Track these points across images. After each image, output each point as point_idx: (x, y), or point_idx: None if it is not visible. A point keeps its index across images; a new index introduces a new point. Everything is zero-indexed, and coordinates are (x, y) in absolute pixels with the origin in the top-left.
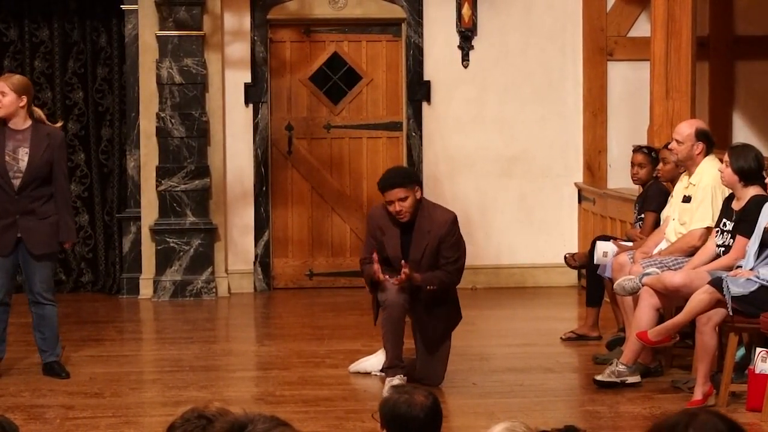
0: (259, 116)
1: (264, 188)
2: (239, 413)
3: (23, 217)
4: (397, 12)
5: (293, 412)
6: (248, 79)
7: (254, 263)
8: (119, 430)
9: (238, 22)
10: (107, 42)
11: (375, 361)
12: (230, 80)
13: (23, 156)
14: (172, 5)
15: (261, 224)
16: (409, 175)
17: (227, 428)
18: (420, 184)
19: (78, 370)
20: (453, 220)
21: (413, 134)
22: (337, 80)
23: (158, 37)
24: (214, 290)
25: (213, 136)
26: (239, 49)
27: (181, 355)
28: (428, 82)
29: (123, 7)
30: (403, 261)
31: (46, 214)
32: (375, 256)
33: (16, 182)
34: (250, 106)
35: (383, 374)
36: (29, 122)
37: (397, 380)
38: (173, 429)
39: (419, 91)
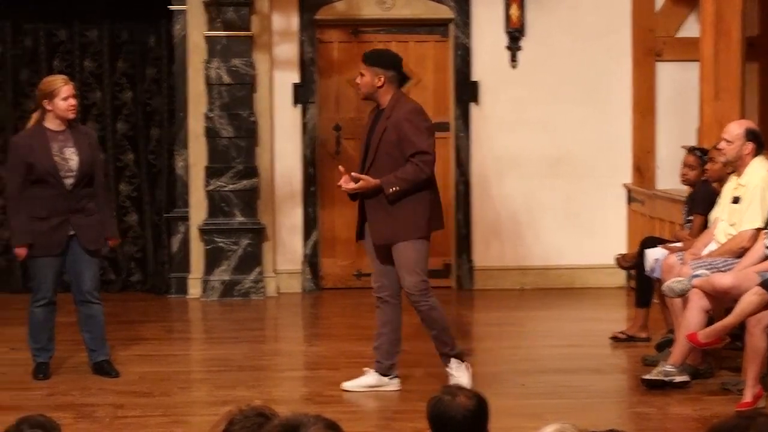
0: (308, 116)
1: (312, 188)
2: (290, 414)
3: (74, 215)
4: (445, 12)
5: (341, 413)
6: (296, 80)
7: (302, 263)
8: (168, 429)
9: (286, 22)
10: (156, 42)
11: (372, 379)
12: (278, 81)
13: (71, 155)
14: (220, 6)
15: (309, 224)
16: (378, 56)
17: (280, 429)
18: (389, 72)
19: (127, 369)
20: (415, 109)
21: (461, 135)
22: None
23: (207, 38)
24: (262, 290)
25: (261, 137)
26: (287, 50)
27: (230, 354)
28: (476, 82)
29: (171, 7)
30: (340, 168)
31: (93, 211)
32: (341, 168)
33: (68, 181)
34: (299, 106)
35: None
36: (67, 123)
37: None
38: (233, 424)
39: (467, 91)
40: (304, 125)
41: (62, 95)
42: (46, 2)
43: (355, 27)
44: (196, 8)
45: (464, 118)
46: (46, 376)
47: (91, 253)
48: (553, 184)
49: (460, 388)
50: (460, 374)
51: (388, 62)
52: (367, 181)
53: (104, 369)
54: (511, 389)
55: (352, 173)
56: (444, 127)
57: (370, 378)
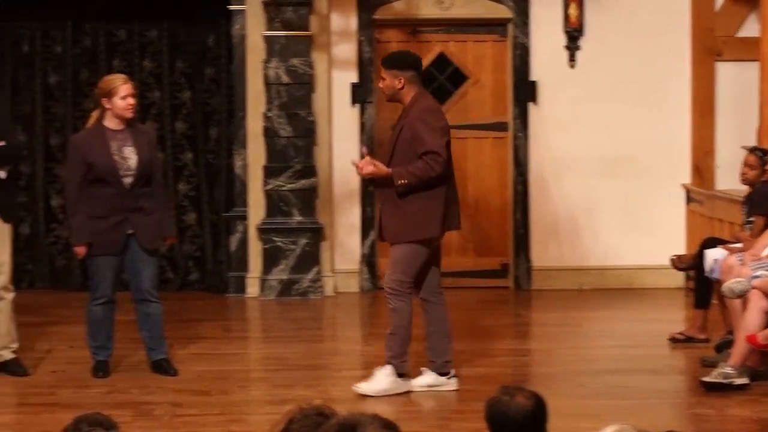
0: (366, 116)
1: (370, 188)
2: (347, 413)
3: (133, 214)
4: (504, 12)
5: (398, 412)
6: (355, 79)
7: (360, 263)
8: (226, 427)
9: (344, 22)
10: (215, 42)
11: (429, 378)
12: (337, 80)
13: (130, 154)
14: (279, 5)
15: (367, 224)
16: (394, 58)
17: (338, 428)
18: (407, 72)
19: (185, 367)
20: (429, 108)
21: (519, 135)
22: (443, 80)
23: (265, 38)
24: (320, 289)
25: (320, 136)
26: (346, 50)
27: (287, 353)
28: (534, 82)
29: (230, 7)
30: (364, 148)
31: (151, 210)
32: (363, 149)
33: (127, 180)
34: (357, 106)
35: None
36: (126, 122)
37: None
38: (292, 423)
39: (525, 91)
40: (362, 125)
41: (121, 94)
42: (106, 2)
43: (413, 27)
44: (255, 8)
45: (522, 118)
46: (106, 374)
47: (150, 252)
48: (611, 184)
49: (518, 389)
50: (378, 380)
51: (406, 63)
52: (380, 168)
53: (163, 367)
54: (569, 390)
55: (368, 158)
56: (502, 127)
57: (428, 377)
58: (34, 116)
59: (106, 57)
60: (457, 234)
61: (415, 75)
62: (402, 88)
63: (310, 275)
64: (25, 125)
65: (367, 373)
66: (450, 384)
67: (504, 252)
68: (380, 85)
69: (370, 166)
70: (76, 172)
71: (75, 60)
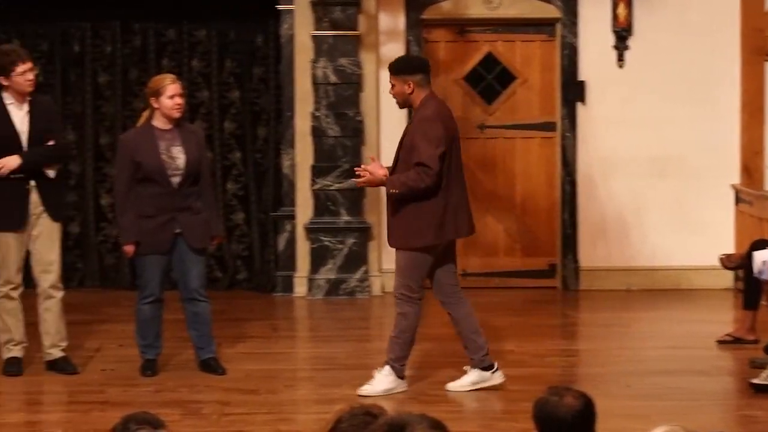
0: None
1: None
2: (395, 413)
3: (181, 213)
4: (552, 12)
5: (445, 412)
6: None
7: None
8: (274, 426)
9: (392, 22)
10: (263, 42)
11: (473, 376)
12: (385, 80)
13: (178, 154)
14: (327, 5)
15: None
16: (402, 64)
17: (386, 429)
18: (416, 76)
19: (233, 366)
20: (428, 117)
21: (567, 135)
22: (491, 80)
23: (314, 37)
24: (367, 289)
25: (367, 136)
26: (394, 49)
27: (335, 353)
28: (583, 82)
29: (279, 7)
30: (371, 157)
31: (199, 209)
32: (371, 156)
33: (175, 180)
34: None
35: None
36: (175, 121)
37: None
38: (340, 422)
39: (573, 91)
40: None
41: (168, 93)
42: (156, 2)
43: (461, 26)
44: (304, 8)
45: (571, 117)
46: (154, 373)
47: (198, 251)
48: (659, 184)
49: (567, 389)
50: (380, 381)
51: (413, 67)
52: (374, 174)
53: (211, 366)
54: (617, 390)
55: (362, 166)
56: (550, 127)
57: (471, 375)
58: (84, 115)
59: (156, 57)
60: (504, 234)
61: (423, 77)
62: (412, 92)
63: (358, 275)
64: (75, 124)
65: (412, 373)
66: (496, 378)
67: (552, 252)
68: (390, 92)
69: (366, 174)
70: (125, 172)
71: (124, 59)
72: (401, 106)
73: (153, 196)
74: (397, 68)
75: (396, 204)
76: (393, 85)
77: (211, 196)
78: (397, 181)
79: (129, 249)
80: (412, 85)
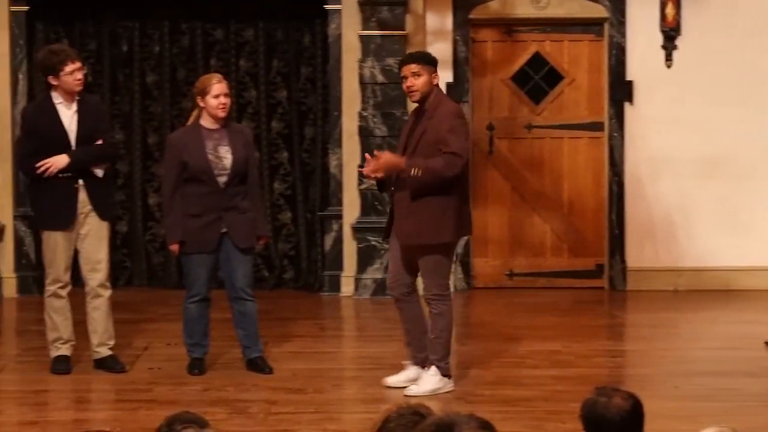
0: None
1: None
2: (443, 413)
3: (227, 213)
4: (600, 12)
5: (492, 412)
6: (450, 79)
7: (454, 262)
8: (321, 426)
9: (440, 21)
10: (311, 42)
11: (412, 372)
12: None
13: (225, 154)
14: (375, 5)
15: None
16: (428, 56)
17: (435, 429)
18: (436, 72)
19: (280, 366)
20: (455, 111)
21: (615, 135)
22: (538, 80)
23: (361, 37)
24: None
25: None
26: (441, 49)
27: (382, 352)
28: (630, 82)
29: (326, 7)
30: (367, 155)
31: (246, 209)
32: (367, 156)
33: (221, 179)
34: None
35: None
36: (223, 121)
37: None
38: (388, 422)
39: (621, 91)
40: None
41: (213, 92)
42: (204, 2)
43: (508, 26)
44: (351, 7)
45: (618, 117)
46: (201, 372)
47: (244, 251)
48: (708, 185)
49: (615, 390)
50: (426, 381)
51: (436, 63)
52: (387, 159)
53: (258, 365)
54: (665, 391)
55: (375, 151)
56: (598, 127)
57: (410, 372)
58: (132, 115)
59: (203, 56)
60: (551, 234)
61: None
62: (435, 86)
63: None
64: (123, 124)
65: (459, 373)
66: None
67: (599, 252)
68: (414, 81)
69: (386, 154)
70: (172, 171)
71: (173, 59)
72: (417, 98)
73: (199, 196)
74: (428, 60)
75: (416, 201)
76: (418, 75)
77: (258, 196)
78: (421, 164)
79: (174, 248)
80: (436, 79)
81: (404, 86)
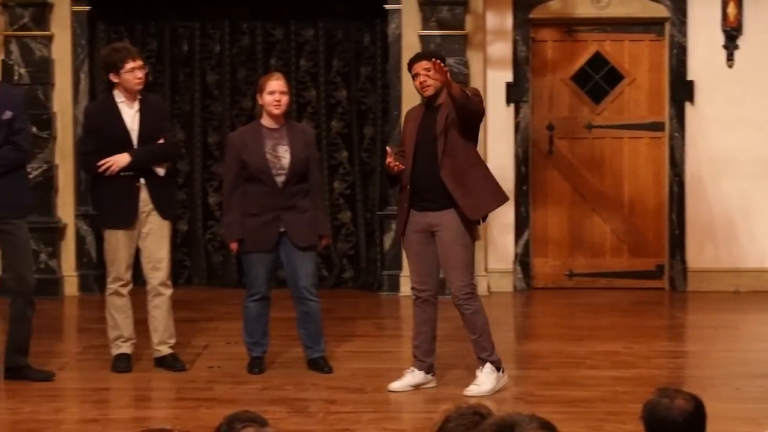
0: (521, 115)
1: (524, 187)
2: (504, 413)
3: (285, 212)
4: (661, 11)
5: (552, 413)
6: (510, 79)
7: (514, 262)
8: (380, 425)
9: (500, 21)
10: (371, 41)
11: (417, 378)
12: (492, 79)
13: (284, 153)
14: (435, 5)
15: (521, 224)
16: (439, 53)
17: (496, 429)
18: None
19: (340, 365)
20: (472, 92)
21: (676, 135)
22: (599, 80)
23: (421, 37)
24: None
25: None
26: (501, 49)
27: (441, 352)
28: (691, 82)
29: (386, 6)
30: (387, 148)
31: (305, 208)
32: (388, 149)
33: (279, 179)
34: (512, 105)
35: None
36: (284, 121)
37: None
38: (448, 422)
39: (682, 91)
40: (517, 124)
41: (268, 89)
42: (264, 1)
43: (569, 26)
44: (411, 7)
45: (679, 117)
46: (261, 371)
47: (304, 250)
48: None
49: (677, 391)
50: (486, 380)
51: (445, 60)
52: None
53: (318, 365)
54: (727, 393)
55: (388, 147)
56: (658, 127)
57: (415, 377)
58: (192, 114)
59: (263, 56)
60: (611, 234)
61: None
62: None
63: None
64: (183, 123)
65: (520, 373)
66: (433, 381)
67: (659, 253)
68: (425, 78)
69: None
70: (232, 170)
71: (233, 59)
72: (430, 92)
73: (258, 195)
74: (439, 57)
75: (464, 176)
76: (431, 70)
77: (319, 196)
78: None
79: (233, 246)
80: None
81: (416, 83)
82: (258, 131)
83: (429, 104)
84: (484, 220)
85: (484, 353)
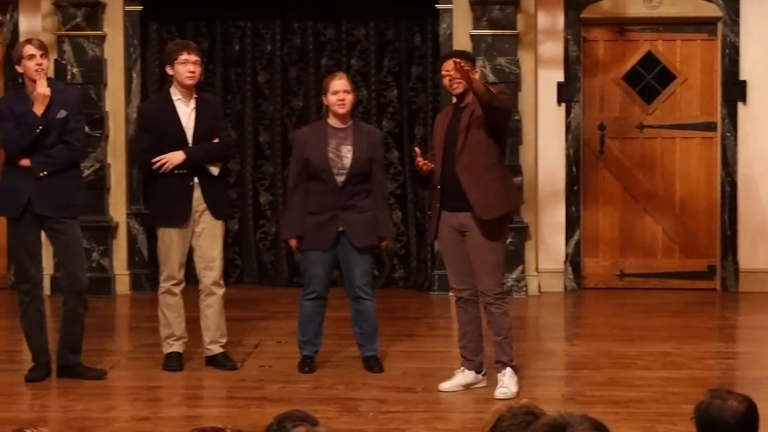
0: (572, 115)
1: (575, 188)
2: (556, 413)
3: (344, 212)
4: (713, 11)
5: (603, 413)
6: (561, 78)
7: (564, 262)
8: (430, 425)
9: (551, 21)
10: (421, 41)
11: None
12: (543, 79)
13: (346, 153)
14: (486, 4)
15: (572, 223)
16: (468, 54)
17: (548, 429)
18: (475, 67)
19: (391, 364)
20: (500, 90)
21: (728, 135)
22: (650, 80)
23: (472, 36)
24: (524, 289)
25: (525, 135)
26: (552, 48)
27: (490, 352)
28: (744, 81)
29: (438, 6)
30: (416, 149)
31: (365, 209)
32: (417, 150)
33: (340, 178)
34: (563, 105)
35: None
36: (350, 121)
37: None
38: (501, 421)
39: (734, 91)
40: (568, 124)
41: (332, 89)
42: (316, 1)
43: (620, 25)
44: (462, 7)
45: (731, 117)
46: (311, 370)
47: (360, 250)
48: None
49: (729, 392)
50: (510, 383)
51: (475, 61)
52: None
53: (368, 364)
54: None
55: (416, 147)
56: (710, 126)
57: (466, 376)
58: (243, 114)
59: (315, 55)
60: (663, 235)
61: None
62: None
63: (515, 274)
64: (235, 123)
65: (570, 373)
66: (483, 381)
67: (711, 253)
68: (454, 75)
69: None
70: (296, 167)
71: (284, 58)
72: (460, 90)
73: (319, 194)
74: (468, 56)
75: (482, 173)
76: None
77: (381, 197)
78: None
79: (292, 243)
80: (476, 75)
81: (445, 81)
82: (323, 130)
83: (457, 105)
84: (510, 222)
85: (506, 357)
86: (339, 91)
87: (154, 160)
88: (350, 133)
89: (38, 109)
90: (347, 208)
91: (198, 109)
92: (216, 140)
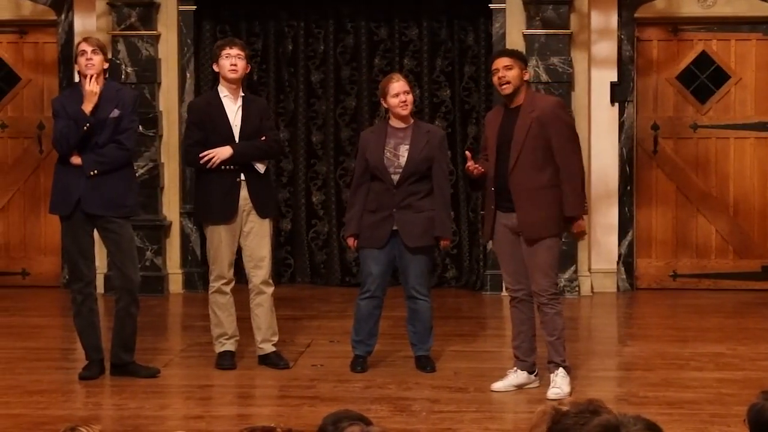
0: (625, 115)
1: (628, 188)
2: (612, 414)
3: (400, 211)
4: None
5: (657, 414)
6: (614, 78)
7: (617, 263)
8: (482, 425)
9: (604, 20)
10: (474, 41)
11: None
12: (596, 79)
13: (403, 152)
14: (539, 4)
15: (625, 224)
16: (519, 53)
17: (601, 429)
18: (527, 70)
19: (443, 364)
20: (558, 103)
21: None
22: (704, 79)
23: (525, 36)
24: (576, 289)
25: (579, 134)
26: (605, 48)
27: (543, 353)
28: None
29: (491, 6)
30: (467, 152)
31: (422, 208)
32: (468, 153)
33: (396, 177)
34: (616, 105)
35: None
36: (411, 121)
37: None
38: (566, 416)
39: None
40: (621, 124)
41: (392, 92)
42: (369, 1)
43: (674, 25)
44: (516, 6)
45: None
46: (363, 369)
47: (413, 250)
48: None
49: None
50: (563, 383)
51: (526, 61)
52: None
53: (420, 363)
54: None
55: (467, 149)
56: (765, 127)
57: (519, 376)
58: (296, 113)
59: (368, 55)
60: (717, 235)
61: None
62: (525, 81)
63: (567, 275)
64: (288, 122)
65: (623, 374)
66: (536, 381)
67: (765, 254)
68: (506, 72)
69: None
70: (358, 167)
71: (337, 58)
72: (509, 90)
73: (377, 193)
74: (519, 56)
75: (536, 193)
76: (510, 68)
77: (440, 197)
78: (574, 200)
79: (349, 241)
80: (527, 75)
81: (495, 79)
82: (383, 130)
83: (507, 105)
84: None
85: (559, 357)
86: (400, 93)
87: (201, 155)
88: (410, 132)
89: (86, 107)
90: (403, 208)
91: (244, 108)
92: (262, 138)
